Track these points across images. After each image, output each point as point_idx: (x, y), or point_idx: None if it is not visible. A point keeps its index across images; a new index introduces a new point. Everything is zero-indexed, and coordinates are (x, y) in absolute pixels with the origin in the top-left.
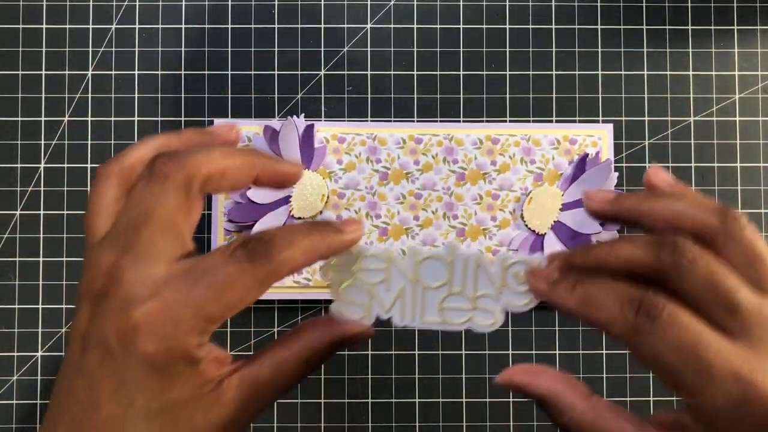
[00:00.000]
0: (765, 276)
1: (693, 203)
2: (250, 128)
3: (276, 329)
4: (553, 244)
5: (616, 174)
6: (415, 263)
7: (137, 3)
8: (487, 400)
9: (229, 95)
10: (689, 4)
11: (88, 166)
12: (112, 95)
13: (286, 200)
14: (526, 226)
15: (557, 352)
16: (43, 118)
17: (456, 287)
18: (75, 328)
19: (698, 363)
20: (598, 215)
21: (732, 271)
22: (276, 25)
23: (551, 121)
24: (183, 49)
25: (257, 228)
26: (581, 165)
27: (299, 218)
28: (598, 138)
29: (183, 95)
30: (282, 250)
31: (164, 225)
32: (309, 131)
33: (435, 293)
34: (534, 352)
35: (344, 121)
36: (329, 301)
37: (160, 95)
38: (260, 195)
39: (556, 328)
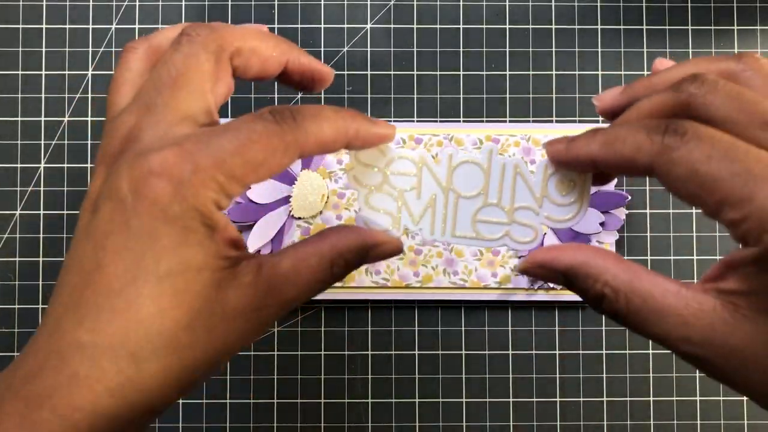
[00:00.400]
0: None
1: (705, 60)
2: None
3: (276, 329)
4: (556, 242)
5: None
6: (450, 168)
7: (137, 3)
8: (487, 400)
9: None
10: (689, 4)
11: (88, 166)
12: None
13: (286, 200)
14: None
15: (557, 352)
16: (43, 118)
17: (492, 198)
18: (88, 195)
19: (740, 166)
20: (614, 113)
21: (761, 94)
22: (276, 25)
23: (551, 121)
24: None
25: (258, 226)
26: None
27: (299, 218)
28: None
29: None
30: (310, 120)
31: (191, 87)
32: None
33: (469, 203)
34: (534, 352)
35: None
36: (328, 302)
37: None
38: (260, 195)
39: (556, 329)
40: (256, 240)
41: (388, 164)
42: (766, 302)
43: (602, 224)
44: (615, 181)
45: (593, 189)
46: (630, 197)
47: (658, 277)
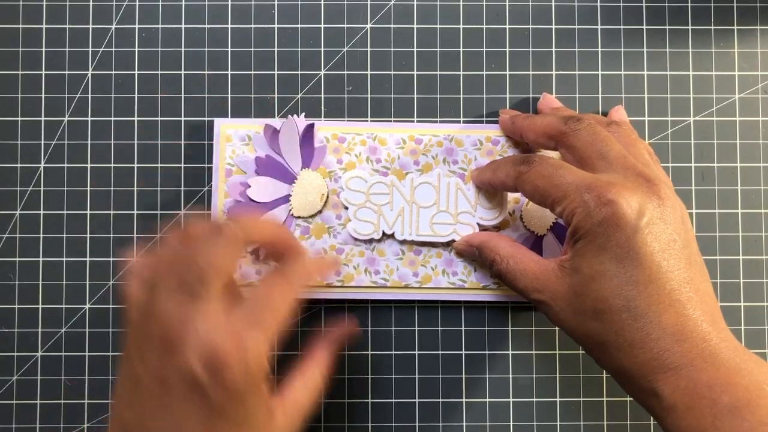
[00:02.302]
0: (635, 152)
1: (595, 118)
2: (251, 127)
3: None
4: (553, 246)
5: None
6: (412, 187)
7: (137, 3)
8: (487, 400)
9: (229, 95)
10: (689, 4)
11: (88, 166)
12: (112, 95)
13: (286, 199)
14: (525, 227)
15: (557, 351)
16: (43, 118)
17: (442, 206)
18: (147, 371)
19: (560, 179)
20: (506, 129)
21: (613, 138)
22: (276, 25)
23: None
24: (183, 49)
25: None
26: None
27: (299, 217)
28: None
29: (183, 95)
30: (301, 274)
31: (224, 271)
32: (309, 130)
33: (427, 211)
34: (534, 352)
35: (345, 120)
36: (329, 301)
37: (160, 95)
38: (260, 194)
39: (556, 329)
40: None
41: (369, 188)
42: (576, 262)
43: None
44: None
45: None
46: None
47: (528, 251)
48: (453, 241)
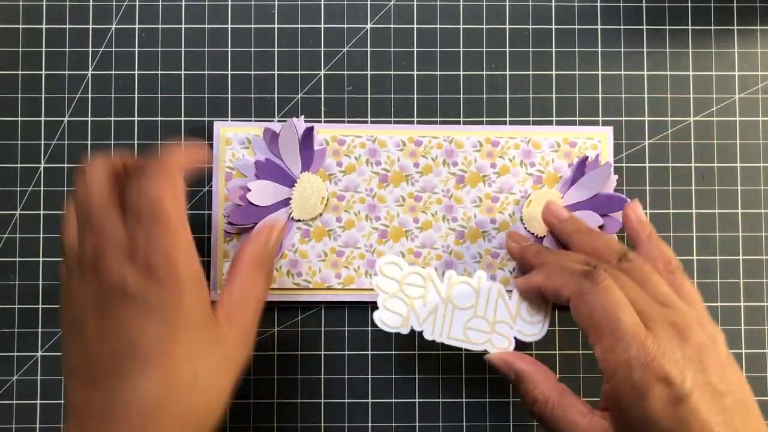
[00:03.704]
0: (653, 289)
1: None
2: (250, 130)
3: (276, 329)
4: (551, 247)
5: (616, 177)
6: (450, 285)
7: (137, 3)
8: (487, 400)
9: (229, 95)
10: (689, 4)
11: None
12: (112, 95)
13: (286, 202)
14: (525, 228)
15: (557, 352)
16: (43, 118)
17: (480, 311)
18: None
19: (617, 325)
20: (547, 223)
21: (661, 286)
22: (276, 25)
23: (551, 122)
24: (183, 49)
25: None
26: (581, 168)
27: (299, 220)
28: (597, 141)
29: (183, 95)
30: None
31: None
32: (309, 133)
33: (462, 313)
34: (534, 352)
35: (344, 122)
36: (328, 303)
37: (160, 95)
38: (260, 197)
39: (556, 328)
40: None
41: (404, 277)
42: (619, 418)
43: (601, 227)
44: (614, 184)
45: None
46: (629, 200)
47: (576, 399)
48: (486, 351)
